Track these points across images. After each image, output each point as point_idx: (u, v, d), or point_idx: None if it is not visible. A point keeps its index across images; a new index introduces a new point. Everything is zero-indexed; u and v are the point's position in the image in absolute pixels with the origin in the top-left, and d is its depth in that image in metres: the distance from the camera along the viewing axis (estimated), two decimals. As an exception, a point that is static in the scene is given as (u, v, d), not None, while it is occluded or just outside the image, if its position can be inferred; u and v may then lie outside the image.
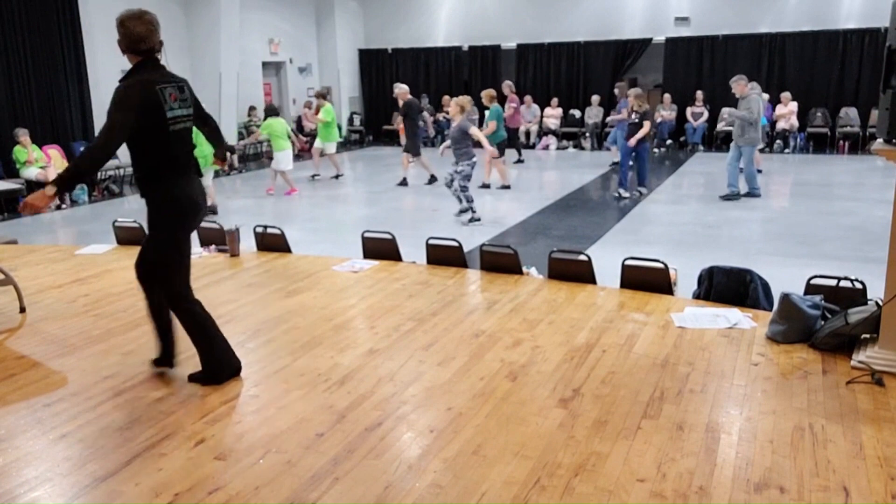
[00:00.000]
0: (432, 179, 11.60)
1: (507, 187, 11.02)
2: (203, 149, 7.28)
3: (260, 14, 15.88)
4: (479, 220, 8.56)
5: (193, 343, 3.40)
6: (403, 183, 11.61)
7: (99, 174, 12.03)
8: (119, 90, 3.11)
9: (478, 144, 8.60)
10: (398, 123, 12.69)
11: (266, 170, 12.66)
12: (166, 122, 3.19)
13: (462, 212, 8.68)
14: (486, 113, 11.24)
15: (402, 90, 11.77)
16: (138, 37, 3.17)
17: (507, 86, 14.47)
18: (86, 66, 12.11)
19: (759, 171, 12.39)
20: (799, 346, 3.68)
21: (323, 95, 12.99)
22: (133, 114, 3.07)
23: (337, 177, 12.63)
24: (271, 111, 11.22)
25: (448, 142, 8.69)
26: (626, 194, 10.28)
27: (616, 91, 13.96)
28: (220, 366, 3.44)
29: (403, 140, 12.15)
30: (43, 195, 3.08)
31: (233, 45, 14.32)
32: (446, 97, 17.79)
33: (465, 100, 8.60)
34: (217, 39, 14.02)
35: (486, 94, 11.31)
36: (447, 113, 17.62)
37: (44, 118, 11.60)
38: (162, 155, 3.22)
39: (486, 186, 10.96)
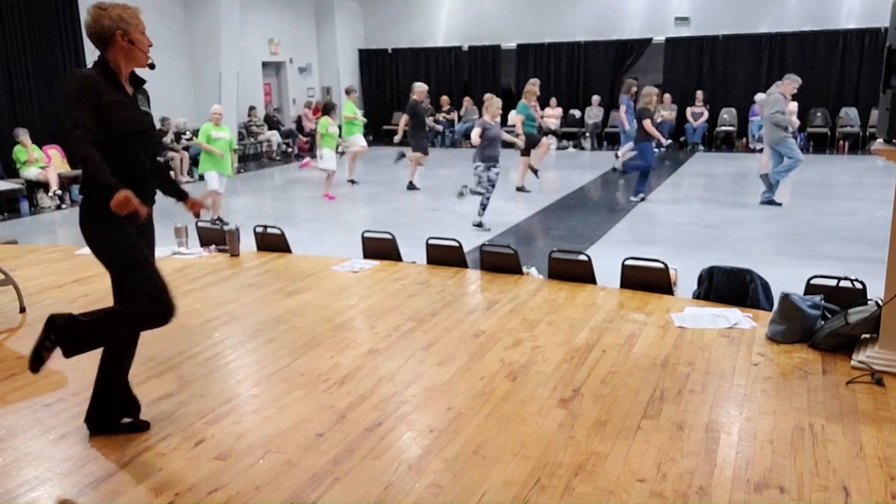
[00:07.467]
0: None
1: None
2: None
3: (260, 14, 15.87)
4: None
5: None
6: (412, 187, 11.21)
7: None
8: None
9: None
10: (404, 123, 12.11)
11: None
12: None
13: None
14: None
15: (421, 89, 11.57)
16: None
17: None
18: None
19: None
20: (799, 346, 3.68)
21: (347, 91, 12.28)
22: None
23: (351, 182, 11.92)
24: (326, 108, 10.71)
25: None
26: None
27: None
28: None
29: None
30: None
31: (233, 45, 14.31)
32: (445, 97, 17.85)
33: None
34: (217, 39, 14.01)
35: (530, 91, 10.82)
36: (447, 113, 17.75)
37: (44, 118, 11.60)
38: None
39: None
